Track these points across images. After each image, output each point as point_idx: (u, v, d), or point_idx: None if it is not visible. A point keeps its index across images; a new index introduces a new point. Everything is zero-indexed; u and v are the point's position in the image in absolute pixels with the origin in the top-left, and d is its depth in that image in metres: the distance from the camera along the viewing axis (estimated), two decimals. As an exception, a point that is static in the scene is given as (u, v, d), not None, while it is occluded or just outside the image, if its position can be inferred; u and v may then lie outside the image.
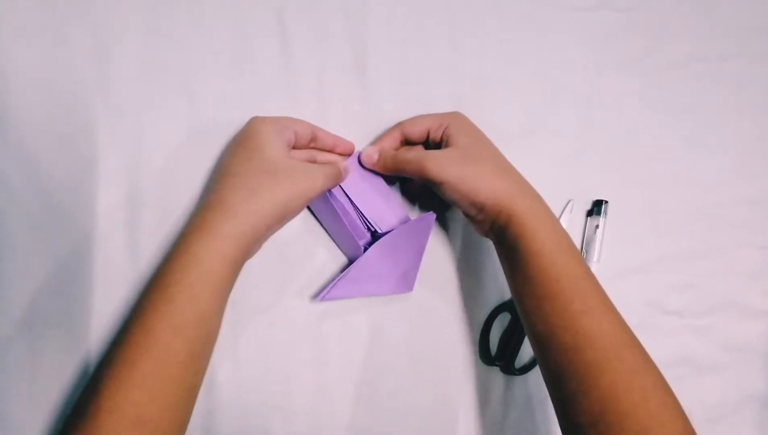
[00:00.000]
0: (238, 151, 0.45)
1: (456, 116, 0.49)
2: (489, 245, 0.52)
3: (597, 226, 0.56)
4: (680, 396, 0.58)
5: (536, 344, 0.44)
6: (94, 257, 0.47)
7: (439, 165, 0.45)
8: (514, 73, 0.57)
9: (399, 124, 0.50)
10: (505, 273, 0.47)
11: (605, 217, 0.56)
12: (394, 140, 0.50)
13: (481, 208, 0.46)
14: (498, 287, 0.55)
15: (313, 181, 0.44)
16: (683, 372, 0.58)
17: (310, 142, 0.49)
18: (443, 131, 0.48)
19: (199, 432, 0.47)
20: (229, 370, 0.48)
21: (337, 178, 0.47)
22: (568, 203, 0.57)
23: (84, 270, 0.47)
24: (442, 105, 0.55)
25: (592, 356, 0.40)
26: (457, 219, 0.55)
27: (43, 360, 0.46)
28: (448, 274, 0.54)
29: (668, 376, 0.57)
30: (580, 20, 0.59)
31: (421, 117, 0.50)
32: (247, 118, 0.50)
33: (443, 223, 0.54)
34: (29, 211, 0.46)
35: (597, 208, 0.56)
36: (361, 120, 0.53)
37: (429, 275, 0.53)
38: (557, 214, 0.56)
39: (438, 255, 0.54)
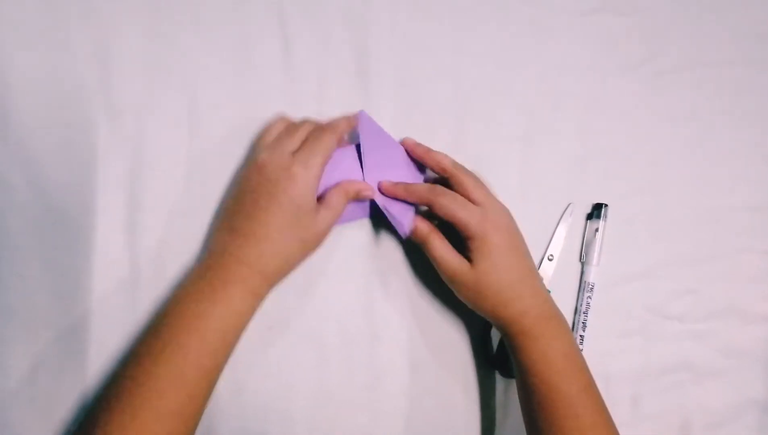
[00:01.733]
0: (284, 215, 0.44)
1: (482, 226, 0.47)
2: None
3: (597, 230, 0.56)
4: (681, 401, 0.58)
5: None
6: (93, 259, 0.47)
7: (454, 277, 0.48)
8: (515, 77, 0.57)
9: (430, 188, 0.48)
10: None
11: (605, 221, 0.56)
12: (420, 199, 0.49)
13: (484, 316, 0.49)
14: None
15: (330, 226, 0.47)
16: (684, 377, 0.58)
17: None
18: (468, 239, 0.47)
19: (198, 433, 0.47)
20: (228, 374, 0.48)
21: (350, 199, 0.48)
22: (567, 207, 0.57)
23: (84, 271, 0.47)
24: (444, 110, 0.55)
25: None
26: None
27: (42, 362, 0.45)
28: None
29: (668, 381, 0.58)
30: (581, 25, 0.59)
31: (450, 205, 0.47)
32: (248, 122, 0.51)
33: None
34: (29, 212, 0.46)
35: (597, 211, 0.56)
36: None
37: (429, 279, 0.53)
38: (557, 218, 0.56)
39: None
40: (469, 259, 0.47)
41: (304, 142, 0.46)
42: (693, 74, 0.61)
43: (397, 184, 0.49)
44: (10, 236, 0.46)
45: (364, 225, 0.52)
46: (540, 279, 0.50)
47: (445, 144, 0.54)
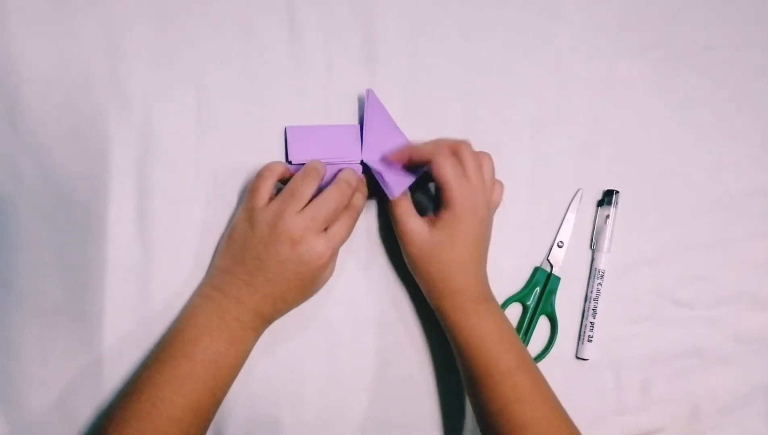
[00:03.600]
0: (304, 289, 0.46)
1: (464, 201, 0.47)
2: (496, 239, 0.51)
3: (607, 217, 0.56)
4: (690, 387, 0.58)
5: (480, 423, 0.48)
6: (104, 246, 0.47)
7: (410, 234, 0.48)
8: (525, 62, 0.56)
9: (434, 153, 0.48)
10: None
11: (616, 208, 0.56)
12: (421, 158, 0.49)
13: (422, 283, 0.49)
14: (509, 278, 0.55)
15: (330, 274, 0.49)
16: (693, 363, 0.58)
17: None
18: (446, 203, 0.47)
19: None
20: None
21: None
22: (577, 192, 0.56)
23: (94, 259, 0.47)
24: (452, 95, 0.54)
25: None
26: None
27: (54, 347, 0.46)
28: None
29: (678, 367, 0.58)
30: (591, 9, 0.58)
31: (448, 170, 0.47)
32: (256, 109, 0.50)
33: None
34: (40, 201, 0.46)
35: (608, 198, 0.56)
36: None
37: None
38: (567, 204, 0.56)
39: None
40: (433, 224, 0.47)
41: (336, 221, 0.46)
42: (703, 58, 0.60)
43: (403, 148, 0.50)
44: (21, 224, 0.46)
45: (373, 213, 0.52)
46: (485, 272, 0.50)
47: (453, 130, 0.54)
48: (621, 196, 0.56)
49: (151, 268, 0.48)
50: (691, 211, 0.59)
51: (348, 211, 0.47)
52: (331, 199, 0.45)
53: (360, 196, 0.48)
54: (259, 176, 0.47)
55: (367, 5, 0.53)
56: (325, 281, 0.48)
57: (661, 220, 0.58)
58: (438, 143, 0.48)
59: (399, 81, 0.54)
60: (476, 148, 0.52)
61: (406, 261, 0.50)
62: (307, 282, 0.46)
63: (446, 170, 0.46)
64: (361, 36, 0.53)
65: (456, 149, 0.48)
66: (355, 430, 0.51)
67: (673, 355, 0.58)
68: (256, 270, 0.44)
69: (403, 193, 0.49)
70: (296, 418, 0.50)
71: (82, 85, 0.47)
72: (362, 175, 0.50)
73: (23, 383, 0.46)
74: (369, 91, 0.50)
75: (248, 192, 0.46)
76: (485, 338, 0.47)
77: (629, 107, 0.59)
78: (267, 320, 0.46)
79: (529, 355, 0.48)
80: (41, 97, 0.46)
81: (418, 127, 0.53)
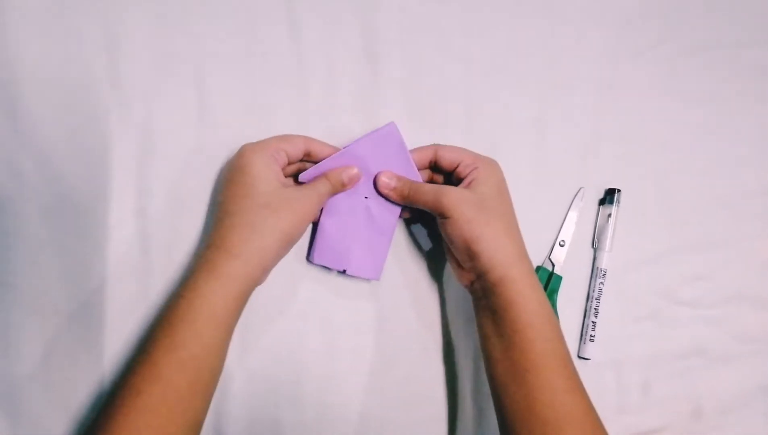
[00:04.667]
0: (233, 188, 0.44)
1: (490, 163, 0.48)
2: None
3: (609, 215, 0.56)
4: (692, 387, 0.58)
5: (509, 413, 0.44)
6: (105, 246, 0.47)
7: (454, 199, 0.45)
8: (527, 61, 0.56)
9: (434, 145, 0.49)
10: (480, 331, 0.46)
11: (618, 206, 0.56)
12: (424, 157, 0.49)
13: (475, 256, 0.44)
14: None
15: (310, 203, 0.45)
16: (696, 363, 0.58)
17: (303, 156, 0.48)
18: (471, 171, 0.47)
19: (209, 421, 0.47)
20: (238, 360, 0.48)
21: (336, 189, 0.47)
22: (579, 191, 0.56)
23: (95, 258, 0.47)
24: (455, 94, 0.54)
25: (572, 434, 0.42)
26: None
27: (55, 347, 0.46)
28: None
29: (680, 367, 0.57)
30: (594, 7, 0.58)
31: (458, 148, 0.49)
32: (256, 107, 0.50)
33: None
34: (41, 200, 0.46)
35: (610, 196, 0.56)
36: (371, 108, 0.52)
37: (438, 264, 0.53)
38: (568, 204, 0.56)
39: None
40: (469, 188, 0.46)
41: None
42: (706, 57, 0.60)
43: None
44: (21, 223, 0.46)
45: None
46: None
47: (456, 128, 0.54)
48: (623, 194, 0.56)
49: (151, 267, 0.48)
50: (694, 210, 0.59)
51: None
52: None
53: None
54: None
55: (369, 3, 0.53)
56: (290, 205, 0.44)
57: (663, 219, 0.58)
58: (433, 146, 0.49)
59: (400, 80, 0.53)
60: (478, 147, 0.52)
61: (459, 242, 0.45)
62: (248, 179, 0.43)
63: (455, 150, 0.48)
64: (362, 34, 0.53)
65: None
66: (355, 431, 0.51)
67: (675, 355, 0.58)
68: (215, 213, 0.45)
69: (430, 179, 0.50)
70: (296, 419, 0.50)
71: (82, 85, 0.47)
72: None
73: (24, 383, 0.46)
74: (391, 125, 0.48)
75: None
76: (541, 323, 0.43)
77: (631, 106, 0.58)
78: (228, 253, 0.42)
79: (567, 348, 0.45)
80: (42, 96, 0.46)
81: (420, 126, 0.53)
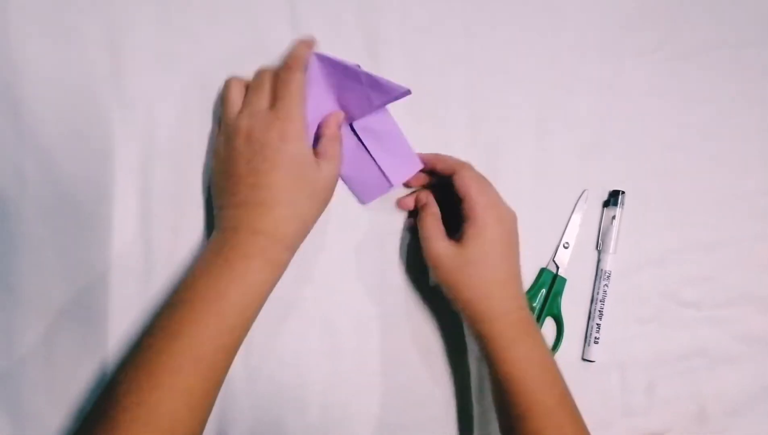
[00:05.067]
0: (288, 174, 0.43)
1: (489, 212, 0.46)
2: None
3: (613, 217, 0.55)
4: (697, 389, 0.58)
5: None
6: (107, 248, 0.47)
7: (439, 255, 0.46)
8: (529, 62, 0.56)
9: (458, 164, 0.49)
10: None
11: (622, 208, 0.56)
12: (443, 170, 0.50)
13: (460, 309, 0.47)
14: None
15: (336, 181, 0.47)
16: (700, 364, 0.58)
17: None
18: (468, 221, 0.46)
19: (212, 423, 0.47)
20: (242, 362, 0.48)
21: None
22: (582, 193, 0.56)
23: (97, 260, 0.47)
24: (456, 96, 0.54)
25: None
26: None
27: (58, 350, 0.46)
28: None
29: (685, 368, 0.57)
30: (596, 8, 0.58)
31: (474, 183, 0.47)
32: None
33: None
34: (43, 202, 0.46)
35: (614, 198, 0.56)
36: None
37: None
38: (572, 205, 0.56)
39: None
40: (459, 243, 0.46)
41: (275, 93, 0.45)
42: (708, 57, 0.60)
43: (431, 155, 0.50)
44: (23, 225, 0.46)
45: (377, 213, 0.52)
46: (522, 289, 0.49)
47: (457, 130, 0.54)
48: (627, 196, 0.56)
49: (154, 269, 0.48)
50: (698, 211, 0.59)
51: (282, 85, 0.45)
52: (291, 83, 0.44)
53: (301, 47, 0.47)
54: (225, 85, 0.47)
55: (371, 5, 0.53)
56: (321, 176, 0.45)
57: (667, 221, 0.58)
58: (460, 161, 0.49)
59: (402, 81, 0.52)
60: (480, 148, 0.52)
61: (441, 285, 0.48)
62: (291, 173, 0.43)
63: (469, 182, 0.46)
64: (364, 35, 0.53)
65: (456, 174, 0.48)
66: (358, 433, 0.51)
67: (680, 357, 0.58)
68: (235, 188, 0.43)
69: (431, 214, 0.49)
70: (300, 421, 0.50)
71: (84, 86, 0.47)
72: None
73: (26, 385, 0.45)
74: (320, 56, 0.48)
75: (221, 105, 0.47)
76: (530, 372, 0.45)
77: (634, 107, 0.58)
78: (273, 239, 0.42)
79: (567, 388, 0.47)
80: (44, 98, 0.46)
81: (422, 127, 0.52)
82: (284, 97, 0.44)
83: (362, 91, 0.48)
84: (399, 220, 0.53)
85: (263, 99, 0.45)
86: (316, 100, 0.48)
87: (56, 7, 0.46)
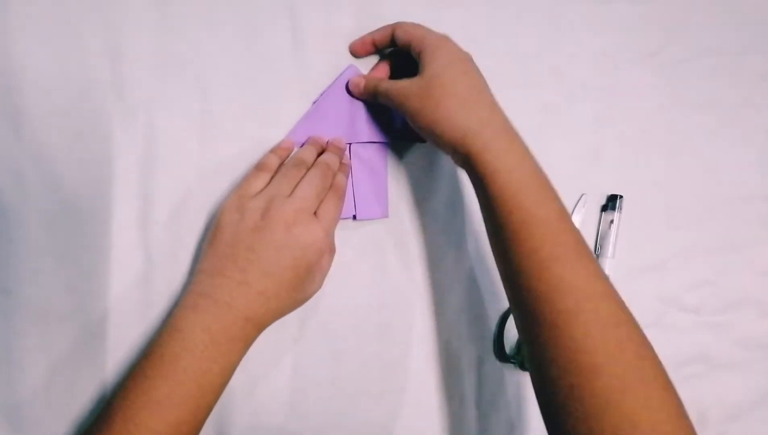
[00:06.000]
0: (297, 277, 0.43)
1: (436, 41, 0.46)
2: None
3: (612, 222, 0.55)
4: (697, 394, 0.57)
5: (508, 288, 0.42)
6: (107, 252, 0.47)
7: (399, 95, 0.46)
8: (528, 67, 0.56)
9: (393, 24, 0.50)
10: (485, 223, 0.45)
11: (620, 213, 0.56)
12: (383, 38, 0.50)
13: (438, 141, 0.45)
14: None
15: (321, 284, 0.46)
16: (700, 370, 0.58)
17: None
18: (419, 54, 0.46)
19: (211, 429, 0.47)
20: (240, 367, 0.48)
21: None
22: (581, 197, 0.56)
23: (98, 266, 0.47)
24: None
25: (564, 306, 0.38)
26: (473, 220, 0.54)
27: (57, 355, 0.46)
28: (462, 268, 0.54)
29: (684, 374, 0.57)
30: (596, 13, 0.58)
31: (412, 27, 0.48)
32: (259, 115, 0.50)
33: (457, 230, 0.54)
34: (43, 207, 0.46)
35: (612, 203, 0.56)
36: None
37: (443, 269, 0.53)
38: (570, 209, 0.56)
39: (451, 249, 0.54)
40: (416, 75, 0.46)
41: (322, 203, 0.45)
42: (708, 63, 0.60)
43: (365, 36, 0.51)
44: (23, 231, 0.46)
45: (376, 220, 0.52)
46: (497, 103, 0.46)
47: (457, 136, 0.54)
48: (625, 201, 0.56)
49: (154, 274, 0.48)
50: (696, 216, 0.59)
51: (332, 192, 0.46)
52: (315, 179, 0.45)
53: (342, 176, 0.48)
54: (253, 168, 0.47)
55: (371, 9, 0.53)
56: (317, 278, 0.45)
57: (665, 226, 0.58)
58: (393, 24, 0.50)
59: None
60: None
61: (419, 126, 0.45)
62: (302, 271, 0.43)
63: (409, 28, 0.48)
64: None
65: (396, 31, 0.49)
66: (357, 438, 0.51)
67: (680, 362, 0.57)
68: (249, 264, 0.42)
69: (381, 77, 0.50)
70: (299, 426, 0.50)
71: (85, 91, 0.47)
72: (345, 153, 0.51)
73: (26, 391, 0.46)
74: (352, 67, 0.51)
75: (241, 181, 0.47)
76: (524, 184, 0.41)
77: (633, 112, 0.58)
78: (258, 326, 0.43)
79: (565, 207, 0.43)
80: (44, 102, 0.46)
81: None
82: (306, 187, 0.44)
83: (385, 119, 0.51)
84: (400, 224, 0.53)
85: (288, 187, 0.45)
86: (333, 102, 0.50)
87: (57, 13, 0.47)
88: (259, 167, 0.47)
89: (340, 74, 0.51)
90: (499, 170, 0.41)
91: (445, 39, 0.47)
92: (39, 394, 0.45)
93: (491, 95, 0.45)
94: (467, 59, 0.47)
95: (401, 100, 0.45)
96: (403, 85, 0.46)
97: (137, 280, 0.47)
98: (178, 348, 0.40)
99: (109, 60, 0.47)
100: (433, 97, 0.44)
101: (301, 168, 0.46)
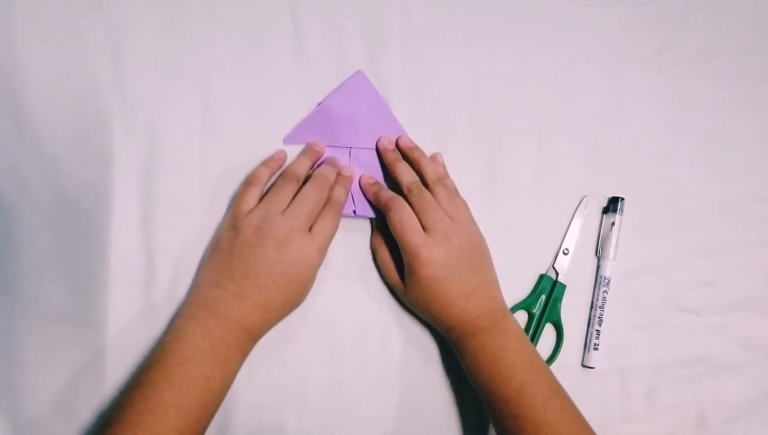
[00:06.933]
0: (292, 292, 0.46)
1: (415, 249, 0.46)
2: (502, 246, 0.51)
3: (613, 224, 0.56)
4: (697, 395, 0.57)
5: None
6: (108, 253, 0.47)
7: (396, 287, 0.50)
8: (530, 69, 0.56)
9: (388, 201, 0.49)
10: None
11: (621, 215, 0.56)
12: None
13: (431, 321, 0.50)
14: (514, 286, 0.54)
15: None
16: (700, 371, 0.57)
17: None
18: (404, 257, 0.48)
19: (214, 429, 0.47)
20: (243, 367, 0.48)
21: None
22: (582, 200, 0.56)
23: (99, 266, 0.47)
24: (457, 102, 0.54)
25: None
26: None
27: (58, 354, 0.46)
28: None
29: (685, 374, 0.57)
30: (597, 15, 0.58)
31: (398, 224, 0.47)
32: (261, 115, 0.50)
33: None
34: (45, 207, 0.46)
35: (613, 205, 0.56)
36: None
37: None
38: (572, 212, 0.56)
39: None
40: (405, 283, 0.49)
41: (318, 218, 0.47)
42: (709, 65, 0.60)
43: (372, 183, 0.51)
44: (25, 231, 0.46)
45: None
46: (495, 294, 0.49)
47: (458, 137, 0.54)
48: (626, 203, 0.56)
49: (154, 275, 0.48)
50: (697, 217, 0.59)
51: (329, 206, 0.47)
52: (309, 195, 0.46)
53: (340, 189, 0.49)
54: (245, 183, 0.48)
55: (372, 12, 0.53)
56: (308, 288, 0.47)
57: (666, 227, 0.58)
58: (393, 197, 0.49)
59: (403, 88, 0.53)
60: (480, 154, 0.52)
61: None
62: (296, 285, 0.45)
63: (397, 226, 0.47)
64: (365, 41, 0.53)
65: (409, 195, 0.48)
66: (359, 439, 0.51)
67: (680, 363, 0.57)
68: (243, 278, 0.44)
69: (382, 247, 0.51)
70: (301, 426, 0.50)
71: (87, 92, 0.47)
72: (344, 166, 0.51)
73: (26, 390, 0.46)
74: (360, 73, 0.52)
75: (234, 199, 0.47)
76: (512, 360, 0.46)
77: (634, 114, 0.58)
78: (254, 336, 0.45)
79: (560, 385, 0.47)
80: (46, 103, 0.46)
81: (423, 133, 0.53)
82: (299, 204, 0.46)
83: (386, 128, 0.52)
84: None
85: (281, 203, 0.46)
86: (337, 106, 0.51)
87: (59, 13, 0.47)
88: (250, 182, 0.47)
89: (347, 79, 0.51)
90: (485, 347, 0.46)
91: (427, 254, 0.46)
92: (40, 392, 0.46)
93: (485, 287, 0.49)
94: (451, 267, 0.47)
95: (396, 288, 0.50)
96: (396, 284, 0.50)
97: (138, 281, 0.48)
98: (180, 356, 0.41)
99: (111, 60, 0.48)
100: (419, 299, 0.48)
101: (293, 183, 0.47)
